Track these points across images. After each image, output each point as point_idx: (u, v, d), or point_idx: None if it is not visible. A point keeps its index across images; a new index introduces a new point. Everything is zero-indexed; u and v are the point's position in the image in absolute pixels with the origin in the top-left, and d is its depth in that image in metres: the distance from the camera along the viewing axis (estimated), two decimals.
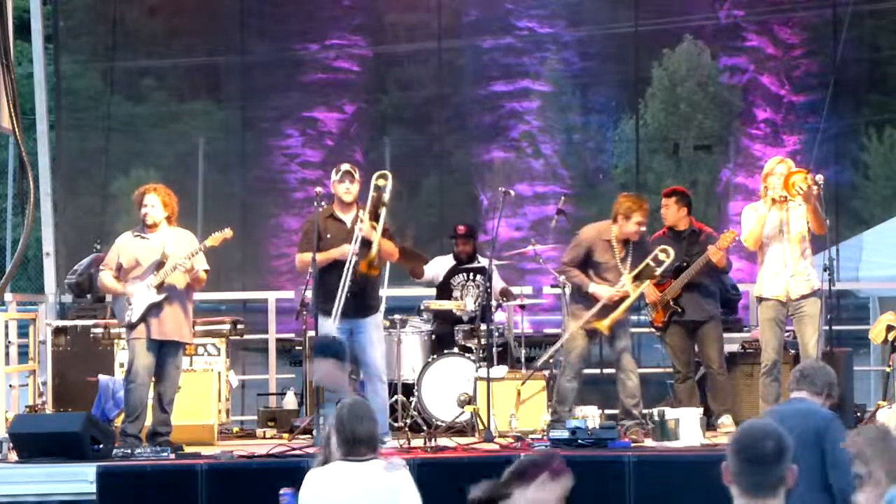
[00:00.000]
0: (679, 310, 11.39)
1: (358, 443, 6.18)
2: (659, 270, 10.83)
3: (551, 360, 11.32)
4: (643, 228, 10.82)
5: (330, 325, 10.19)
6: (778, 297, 10.60)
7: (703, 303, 11.40)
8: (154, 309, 10.20)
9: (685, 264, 11.36)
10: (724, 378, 11.39)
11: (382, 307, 10.81)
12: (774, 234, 10.63)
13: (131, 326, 10.23)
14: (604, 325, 10.67)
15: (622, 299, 10.71)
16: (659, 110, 18.45)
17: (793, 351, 11.14)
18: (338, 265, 10.17)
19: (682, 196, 11.64)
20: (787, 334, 10.93)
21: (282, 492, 6.90)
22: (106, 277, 10.42)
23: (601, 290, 10.76)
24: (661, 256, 10.84)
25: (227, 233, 10.35)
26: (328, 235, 10.31)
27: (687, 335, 11.45)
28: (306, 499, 6.22)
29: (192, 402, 10.97)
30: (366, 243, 10.17)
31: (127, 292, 10.23)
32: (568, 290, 11.13)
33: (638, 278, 10.79)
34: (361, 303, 10.26)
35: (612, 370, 11.03)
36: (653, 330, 11.63)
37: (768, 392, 10.66)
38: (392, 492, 6.15)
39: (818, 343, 10.68)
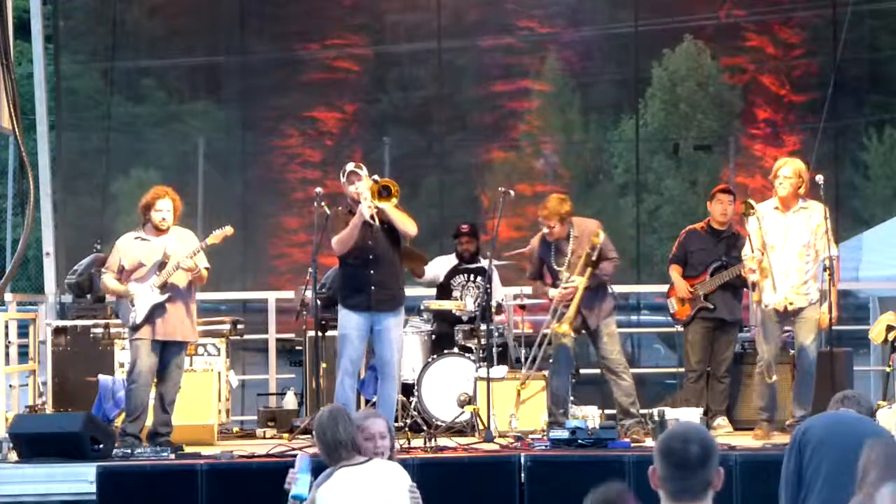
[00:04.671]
0: (710, 306, 11.41)
1: (340, 446, 6.42)
2: (594, 255, 10.65)
3: (548, 360, 11.30)
4: (545, 229, 10.68)
5: (352, 321, 10.20)
6: (776, 305, 10.55)
7: (735, 305, 11.41)
8: (158, 309, 10.22)
9: (724, 264, 11.37)
10: (725, 384, 11.42)
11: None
12: (778, 241, 10.58)
13: (135, 328, 10.24)
14: (564, 328, 10.63)
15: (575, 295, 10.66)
16: (659, 110, 18.41)
17: (792, 351, 11.13)
18: (361, 256, 10.23)
19: (735, 198, 11.64)
20: (786, 334, 10.93)
21: (298, 455, 6.86)
22: (108, 280, 10.42)
23: (551, 292, 10.78)
24: (594, 240, 10.70)
25: (228, 230, 10.38)
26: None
27: (709, 333, 11.45)
28: None
29: (192, 402, 10.95)
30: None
31: (130, 293, 10.25)
32: None
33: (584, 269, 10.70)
34: (384, 294, 10.28)
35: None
36: (671, 328, 11.52)
37: (764, 390, 10.65)
38: (400, 491, 6.39)
39: (815, 343, 10.66)
